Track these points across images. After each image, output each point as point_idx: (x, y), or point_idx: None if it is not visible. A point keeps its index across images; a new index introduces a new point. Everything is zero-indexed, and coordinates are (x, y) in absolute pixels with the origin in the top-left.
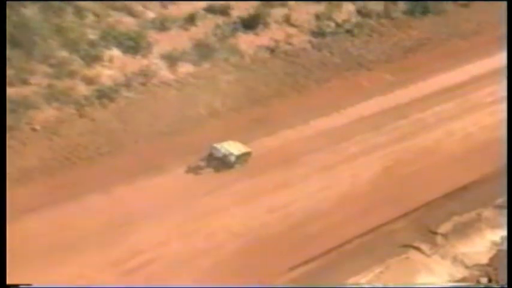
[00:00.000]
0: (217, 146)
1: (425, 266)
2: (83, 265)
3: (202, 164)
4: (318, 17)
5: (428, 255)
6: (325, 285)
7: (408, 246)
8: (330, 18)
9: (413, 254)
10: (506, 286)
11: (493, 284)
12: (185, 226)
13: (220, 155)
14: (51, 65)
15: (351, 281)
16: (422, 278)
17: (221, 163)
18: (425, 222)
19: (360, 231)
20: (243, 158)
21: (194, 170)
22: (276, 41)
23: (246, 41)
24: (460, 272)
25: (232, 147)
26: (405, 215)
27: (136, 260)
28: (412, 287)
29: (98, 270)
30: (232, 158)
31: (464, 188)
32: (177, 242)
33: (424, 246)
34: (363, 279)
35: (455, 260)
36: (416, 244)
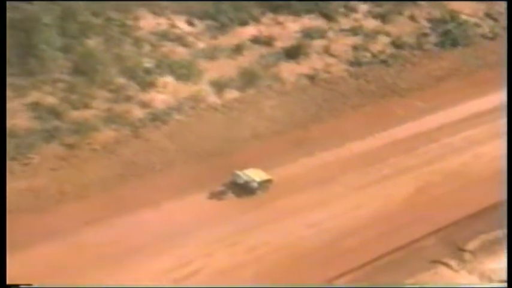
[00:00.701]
0: (239, 173)
1: (454, 281)
2: (135, 274)
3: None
4: (355, 48)
5: (456, 271)
6: None
7: (437, 262)
8: (366, 49)
9: (442, 270)
10: (506, 286)
11: (494, 284)
12: (228, 240)
13: (242, 181)
14: (110, 91)
15: None
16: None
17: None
18: (454, 240)
19: (392, 247)
20: (264, 185)
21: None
22: (316, 70)
23: (288, 70)
24: None
25: (254, 174)
26: (435, 232)
27: (185, 269)
28: (413, 287)
29: (149, 278)
30: (255, 185)
31: (491, 208)
32: (221, 254)
33: (453, 262)
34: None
35: (482, 275)
36: (445, 260)
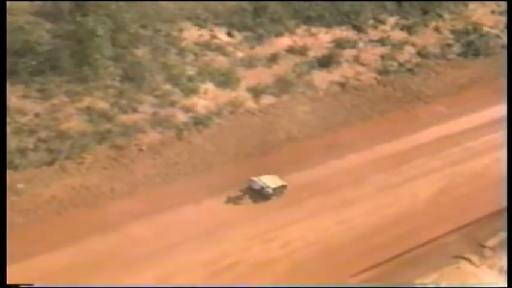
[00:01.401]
0: (255, 179)
1: (475, 275)
2: (177, 265)
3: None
4: (383, 57)
5: (477, 266)
6: None
7: (460, 257)
8: (393, 59)
9: (464, 264)
10: (506, 286)
11: (494, 284)
12: (264, 235)
13: (257, 187)
14: (156, 96)
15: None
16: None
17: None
18: (475, 237)
19: (417, 243)
20: (279, 190)
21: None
22: (346, 78)
23: (320, 77)
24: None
25: (269, 181)
26: (457, 230)
27: (223, 262)
28: (415, 287)
29: (191, 270)
30: (269, 191)
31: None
32: (257, 249)
33: (474, 258)
34: (417, 286)
35: (501, 270)
36: (467, 255)
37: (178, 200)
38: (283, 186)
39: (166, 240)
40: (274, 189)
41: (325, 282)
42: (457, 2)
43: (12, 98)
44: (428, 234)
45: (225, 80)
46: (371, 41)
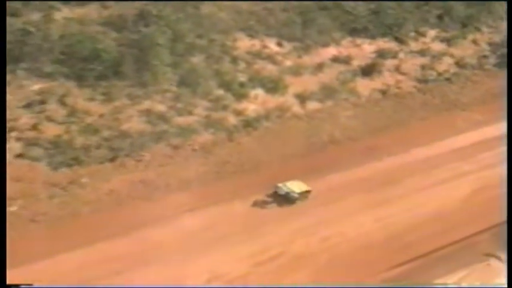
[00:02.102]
0: (280, 185)
1: (504, 272)
2: (225, 256)
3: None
4: (422, 67)
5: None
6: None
7: (490, 255)
8: (432, 69)
9: (493, 262)
10: (506, 286)
11: (494, 284)
12: (305, 230)
13: (283, 192)
14: (209, 100)
15: (439, 281)
16: (500, 281)
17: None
18: (505, 236)
19: (449, 241)
20: (303, 195)
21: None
22: (388, 86)
23: (363, 85)
24: None
25: (295, 186)
26: (488, 229)
27: (267, 254)
28: (415, 287)
29: (236, 261)
30: (295, 195)
31: None
32: (299, 242)
33: (504, 256)
34: (449, 280)
35: None
36: (497, 254)
37: (227, 196)
38: (308, 192)
39: (215, 232)
40: (299, 194)
41: (360, 275)
42: (495, 17)
43: (80, 100)
44: (459, 233)
45: (274, 86)
46: (412, 51)
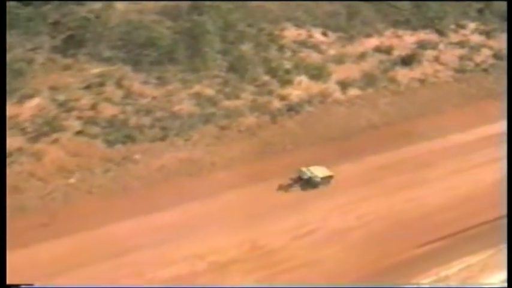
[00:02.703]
0: (304, 169)
1: None
2: (264, 232)
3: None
4: (461, 58)
5: None
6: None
7: None
8: (470, 59)
9: None
10: (506, 286)
11: (494, 284)
12: (341, 208)
13: (306, 177)
14: (256, 86)
15: (466, 259)
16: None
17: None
18: None
19: (478, 222)
20: (326, 180)
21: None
22: (426, 75)
23: (402, 74)
24: None
25: (318, 171)
26: None
27: (304, 229)
28: (415, 287)
29: (275, 236)
30: (318, 180)
31: None
32: (335, 219)
33: None
34: (475, 259)
35: None
36: None
37: (268, 174)
38: (330, 177)
39: (256, 208)
40: (322, 179)
41: (391, 251)
42: None
43: (135, 84)
44: (489, 214)
45: (317, 73)
46: (451, 43)
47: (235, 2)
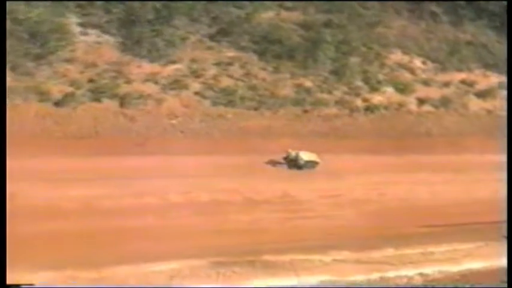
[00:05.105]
0: (291, 151)
1: None
2: (298, 187)
3: None
4: None
5: None
6: None
7: None
8: None
9: None
10: (506, 286)
11: (493, 284)
12: (369, 185)
13: (292, 157)
14: (348, 87)
15: (455, 244)
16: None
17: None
18: None
19: (479, 221)
20: (310, 164)
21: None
22: (495, 107)
23: (475, 103)
24: None
25: (305, 155)
26: None
27: (332, 192)
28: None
29: (307, 190)
30: (301, 162)
31: None
32: (359, 192)
33: None
34: (463, 246)
35: None
36: None
37: (322, 148)
38: (316, 162)
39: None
40: (305, 162)
41: (399, 224)
42: None
43: (255, 68)
44: (490, 217)
45: (403, 88)
46: None
47: (360, 25)
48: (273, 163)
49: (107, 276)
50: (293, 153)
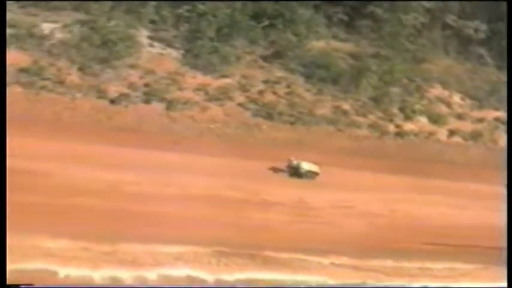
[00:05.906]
0: (292, 159)
1: None
2: (313, 194)
3: None
4: None
5: None
6: None
7: None
8: None
9: None
10: (506, 286)
11: (494, 284)
12: (381, 201)
13: (293, 165)
14: (384, 113)
15: (453, 263)
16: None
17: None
18: None
19: (483, 245)
20: (310, 174)
21: None
22: None
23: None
24: None
25: (306, 165)
26: None
27: (344, 203)
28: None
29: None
30: (302, 171)
31: None
32: (373, 206)
33: None
34: (461, 266)
35: None
36: None
37: (342, 163)
38: (316, 173)
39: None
40: (305, 171)
41: (403, 238)
42: None
43: (299, 89)
44: (494, 243)
45: (437, 119)
46: None
47: (406, 58)
48: (275, 170)
49: (117, 250)
50: (294, 162)
